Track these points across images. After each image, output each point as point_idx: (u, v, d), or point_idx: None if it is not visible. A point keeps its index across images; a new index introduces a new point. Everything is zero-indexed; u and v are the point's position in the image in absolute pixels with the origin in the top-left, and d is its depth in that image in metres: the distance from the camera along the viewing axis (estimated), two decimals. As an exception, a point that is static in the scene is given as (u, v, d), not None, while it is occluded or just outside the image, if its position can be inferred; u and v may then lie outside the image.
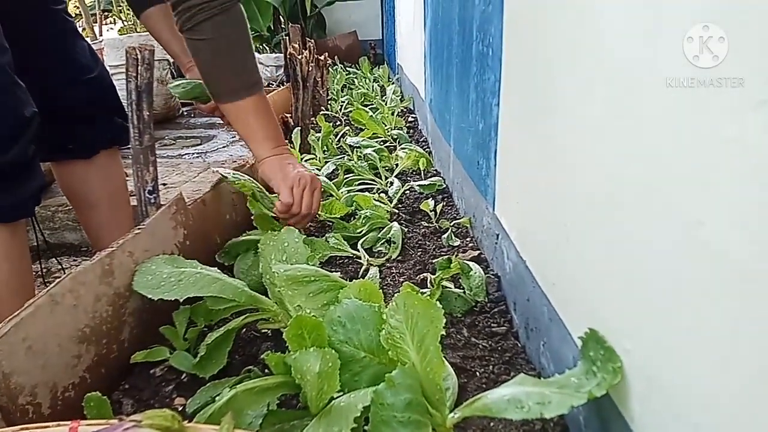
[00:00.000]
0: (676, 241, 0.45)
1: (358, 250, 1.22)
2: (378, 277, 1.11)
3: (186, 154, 2.84)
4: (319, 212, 1.38)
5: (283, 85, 3.30)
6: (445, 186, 1.68)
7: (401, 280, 1.11)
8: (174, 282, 0.84)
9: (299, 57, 2.29)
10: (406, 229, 1.34)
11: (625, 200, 0.54)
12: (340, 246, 1.22)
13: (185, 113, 3.94)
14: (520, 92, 0.90)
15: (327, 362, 0.61)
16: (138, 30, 3.84)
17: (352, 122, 2.45)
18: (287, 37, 3.32)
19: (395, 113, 2.72)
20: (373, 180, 1.72)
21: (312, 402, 0.62)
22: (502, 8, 0.96)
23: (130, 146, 1.09)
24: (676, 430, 0.46)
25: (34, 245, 1.42)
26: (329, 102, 3.23)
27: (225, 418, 0.50)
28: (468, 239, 1.29)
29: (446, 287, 1.00)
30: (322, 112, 2.82)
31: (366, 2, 6.18)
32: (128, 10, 4.15)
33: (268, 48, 5.80)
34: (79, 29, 1.47)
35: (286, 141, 1.24)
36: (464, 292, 1.00)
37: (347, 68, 5.12)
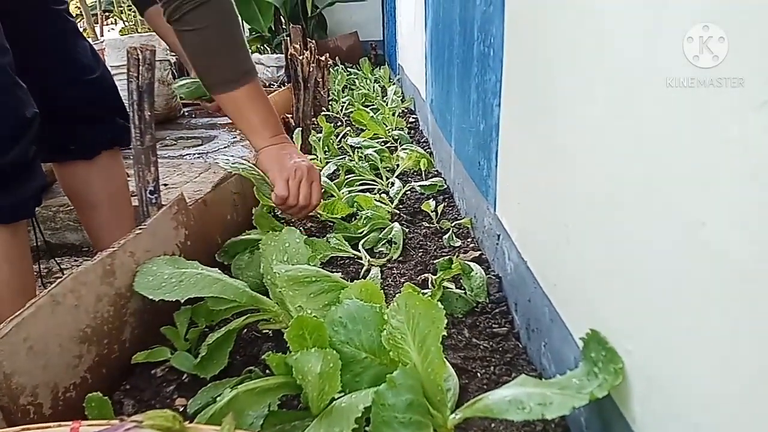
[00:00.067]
0: (677, 242, 0.45)
1: (359, 251, 1.22)
2: (379, 277, 1.11)
3: (187, 154, 2.84)
4: (321, 211, 1.38)
5: (284, 85, 3.29)
6: (446, 186, 1.68)
7: (402, 280, 1.11)
8: (175, 283, 0.84)
9: (300, 58, 2.29)
10: (407, 230, 1.34)
11: (625, 200, 0.54)
12: (341, 246, 1.22)
13: (186, 114, 3.94)
14: (521, 93, 0.90)
15: (328, 363, 0.61)
16: (139, 30, 3.84)
17: (353, 123, 2.45)
18: (288, 38, 3.32)
19: (396, 114, 2.72)
20: (374, 180, 1.72)
21: (313, 402, 0.62)
22: (503, 9, 0.96)
23: (131, 146, 1.09)
24: (678, 430, 0.46)
25: (35, 246, 1.42)
26: (330, 103, 3.23)
27: (226, 419, 0.50)
28: (469, 240, 1.29)
29: (447, 288, 1.00)
30: (323, 113, 2.82)
31: (367, 3, 6.18)
32: (129, 10, 4.16)
33: (269, 49, 5.80)
34: (81, 29, 1.47)
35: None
36: (465, 293, 1.00)
37: (348, 69, 5.12)
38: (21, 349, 0.66)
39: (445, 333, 0.59)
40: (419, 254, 1.23)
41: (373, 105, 3.06)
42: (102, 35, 5.13)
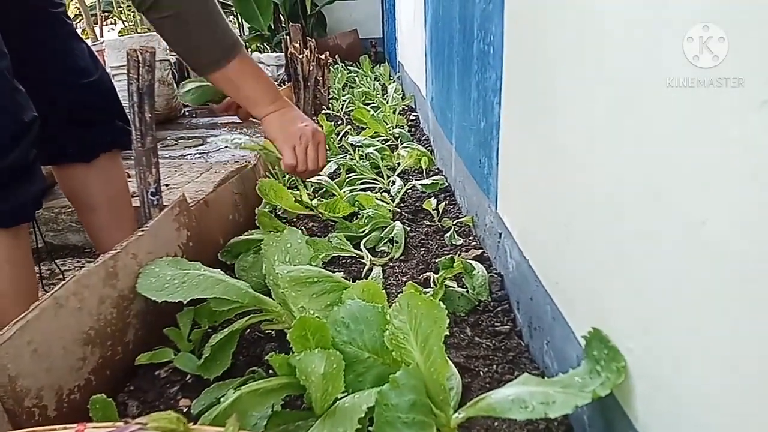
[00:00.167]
0: (678, 240, 0.45)
1: (361, 250, 1.23)
2: (381, 276, 1.12)
3: (188, 154, 2.84)
4: (322, 210, 1.39)
5: (284, 84, 3.29)
6: (447, 185, 1.68)
7: (404, 279, 1.11)
8: (178, 284, 0.84)
9: (300, 56, 2.29)
10: (408, 229, 1.35)
11: (626, 200, 0.54)
12: (343, 246, 1.23)
13: (187, 114, 3.94)
14: (522, 91, 0.90)
15: (331, 363, 0.61)
16: (139, 30, 3.84)
17: (353, 121, 2.45)
18: (288, 37, 3.32)
19: (396, 112, 2.72)
20: (375, 179, 1.72)
21: (316, 403, 0.62)
22: (502, 6, 0.96)
23: (131, 149, 1.09)
24: (680, 429, 0.46)
25: (36, 248, 1.43)
26: (330, 101, 3.23)
27: (230, 420, 0.50)
28: (470, 238, 1.29)
29: (449, 286, 1.00)
30: (323, 112, 2.82)
31: (366, 0, 6.18)
32: (128, 10, 4.15)
33: (268, 47, 5.79)
34: (80, 30, 1.46)
35: None
36: (467, 292, 1.00)
37: (348, 67, 5.12)
38: (25, 352, 0.67)
39: (447, 332, 0.59)
40: (421, 253, 1.23)
41: (373, 103, 3.06)
42: (101, 36, 5.12)
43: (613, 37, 0.55)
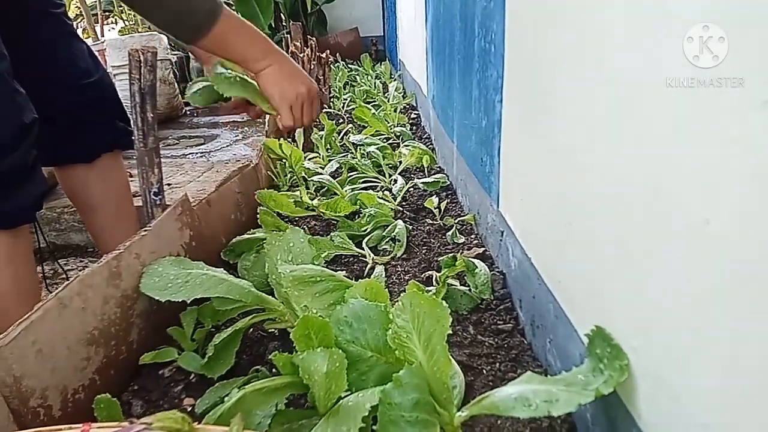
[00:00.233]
0: (681, 239, 0.45)
1: (363, 249, 1.23)
2: (383, 275, 1.12)
3: (190, 153, 2.84)
4: (324, 210, 1.39)
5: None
6: (448, 183, 1.68)
7: (407, 278, 1.11)
8: (181, 283, 0.85)
9: (301, 55, 2.29)
10: (410, 227, 1.35)
11: (627, 199, 0.54)
12: (345, 245, 1.23)
13: (188, 113, 3.95)
14: (523, 89, 0.90)
15: (334, 362, 0.62)
16: (139, 30, 3.84)
17: (354, 120, 2.45)
18: (288, 35, 3.32)
19: (398, 110, 2.72)
20: (377, 178, 1.72)
21: (320, 402, 0.62)
22: (503, 5, 0.96)
23: (132, 149, 1.09)
24: (683, 428, 0.47)
25: (38, 248, 1.43)
26: (331, 100, 3.23)
27: (234, 419, 0.50)
28: (473, 236, 1.29)
29: (452, 285, 1.00)
30: (324, 110, 2.82)
31: (367, -2, 6.18)
32: (129, 10, 4.15)
33: (269, 46, 5.78)
34: (81, 30, 1.47)
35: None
36: (470, 290, 1.00)
37: (349, 65, 5.11)
38: (29, 353, 0.67)
39: (450, 331, 0.59)
40: (423, 251, 1.23)
41: (374, 101, 3.06)
42: (102, 35, 5.13)
43: (614, 36, 0.55)
